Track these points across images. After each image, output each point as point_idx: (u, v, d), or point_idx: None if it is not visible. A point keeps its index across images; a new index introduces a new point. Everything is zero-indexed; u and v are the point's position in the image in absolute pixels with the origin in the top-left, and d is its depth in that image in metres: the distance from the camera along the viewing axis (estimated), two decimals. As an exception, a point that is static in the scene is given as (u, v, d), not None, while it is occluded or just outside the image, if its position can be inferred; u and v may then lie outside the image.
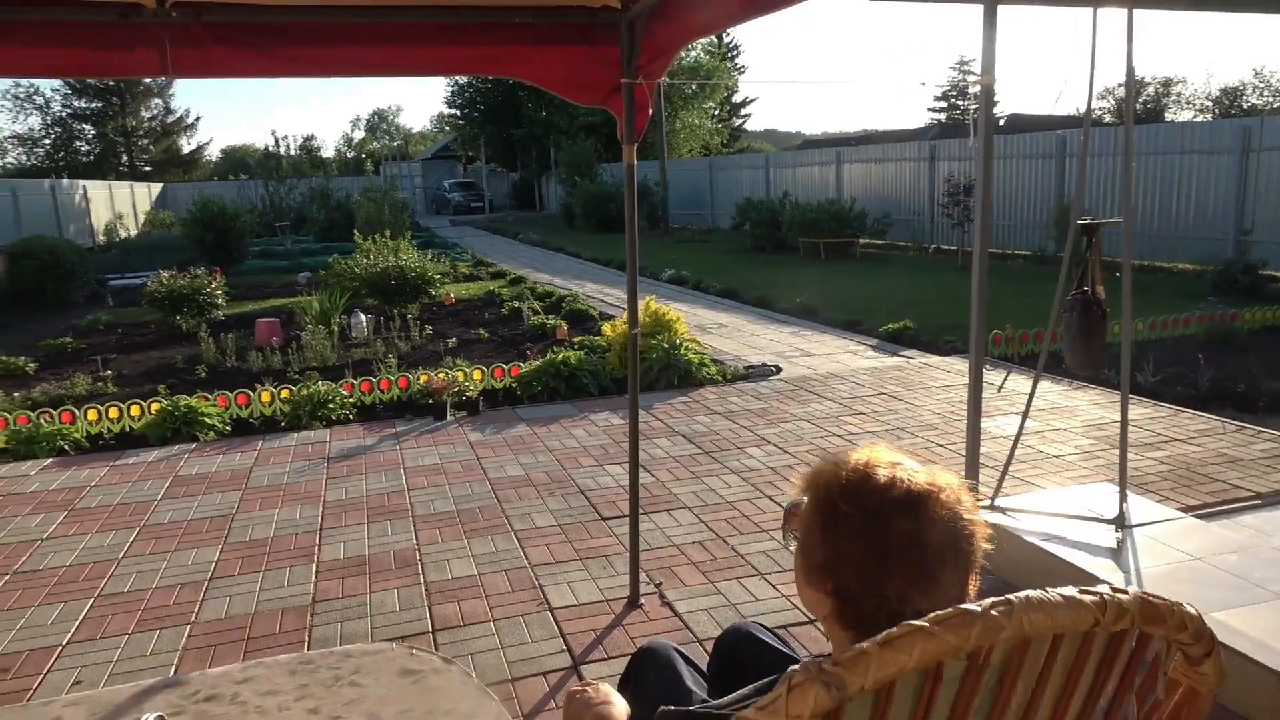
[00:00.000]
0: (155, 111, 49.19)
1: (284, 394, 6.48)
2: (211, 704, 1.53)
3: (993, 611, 0.79)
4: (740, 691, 1.15)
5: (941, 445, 5.37)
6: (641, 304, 7.82)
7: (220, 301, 10.76)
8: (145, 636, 3.34)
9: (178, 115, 50.40)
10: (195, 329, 9.79)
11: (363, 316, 9.67)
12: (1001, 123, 24.20)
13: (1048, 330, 4.06)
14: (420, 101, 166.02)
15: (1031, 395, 3.93)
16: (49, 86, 45.77)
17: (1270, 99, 42.51)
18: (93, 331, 10.85)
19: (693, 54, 36.94)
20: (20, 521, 4.58)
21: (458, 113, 41.47)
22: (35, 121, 50.48)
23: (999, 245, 15.66)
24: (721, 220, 24.64)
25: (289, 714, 1.47)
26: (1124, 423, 3.75)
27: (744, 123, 53.22)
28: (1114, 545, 3.44)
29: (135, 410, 6.17)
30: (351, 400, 6.56)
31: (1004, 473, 3.93)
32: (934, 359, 7.77)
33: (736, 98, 50.24)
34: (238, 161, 54.34)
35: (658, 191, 26.21)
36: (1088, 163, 6.43)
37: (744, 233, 19.99)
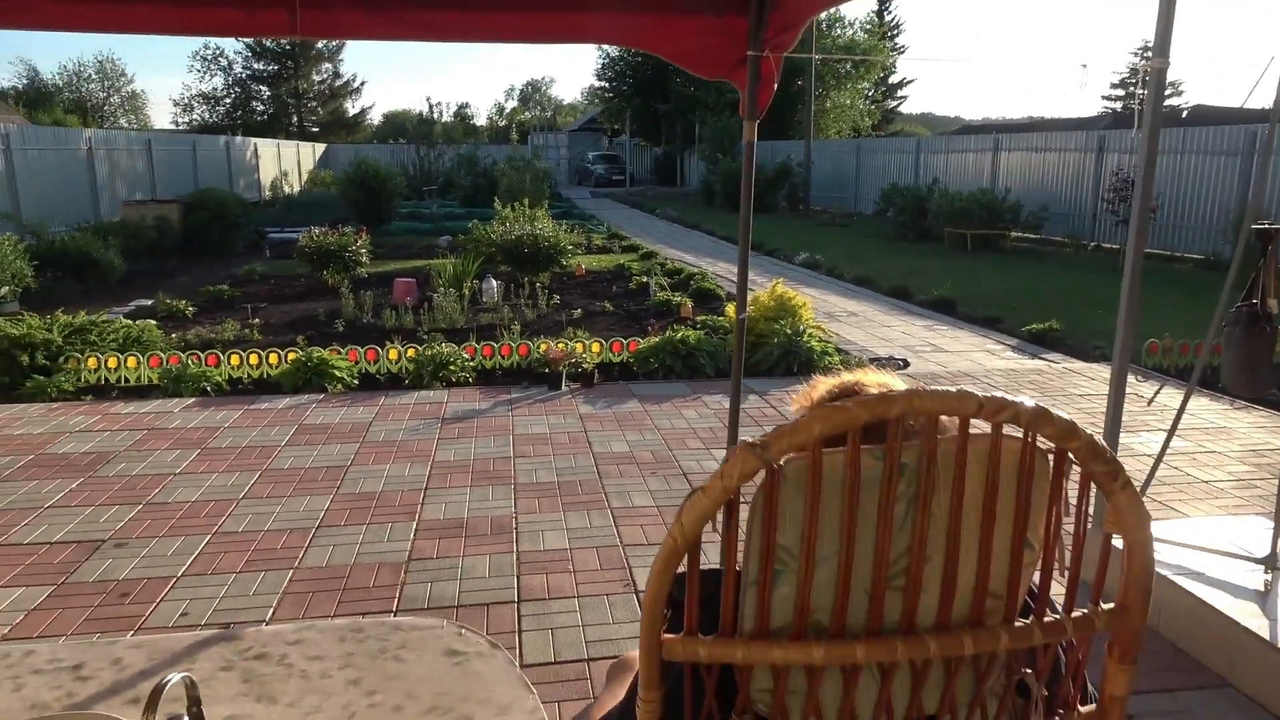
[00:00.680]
0: (325, 75, 51.95)
1: (410, 353, 6.67)
2: (259, 662, 1.53)
3: (885, 392, 0.97)
4: None
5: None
6: (768, 287, 7.65)
7: (364, 259, 11.22)
8: (250, 577, 3.49)
9: (345, 79, 53.09)
10: (339, 284, 10.25)
11: (494, 282, 9.87)
12: (1184, 114, 22.28)
13: (1207, 342, 3.66)
14: (573, 74, 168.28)
15: (1181, 410, 3.56)
16: (233, 49, 48.95)
17: None
18: (248, 281, 11.54)
19: (850, 31, 35.85)
20: (159, 455, 4.89)
21: (607, 85, 41.71)
22: (219, 81, 54.06)
23: (1169, 246, 14.47)
24: (865, 205, 23.87)
25: (329, 682, 1.45)
26: (1288, 453, 3.35)
27: (899, 105, 51.43)
28: (1261, 588, 3.08)
29: (273, 358, 6.50)
30: (472, 364, 6.69)
31: (1142, 493, 3.58)
32: (1079, 364, 7.24)
33: (893, 78, 48.55)
34: (397, 125, 56.79)
35: (800, 172, 25.63)
36: (1271, 161, 5.78)
37: (887, 219, 19.32)
